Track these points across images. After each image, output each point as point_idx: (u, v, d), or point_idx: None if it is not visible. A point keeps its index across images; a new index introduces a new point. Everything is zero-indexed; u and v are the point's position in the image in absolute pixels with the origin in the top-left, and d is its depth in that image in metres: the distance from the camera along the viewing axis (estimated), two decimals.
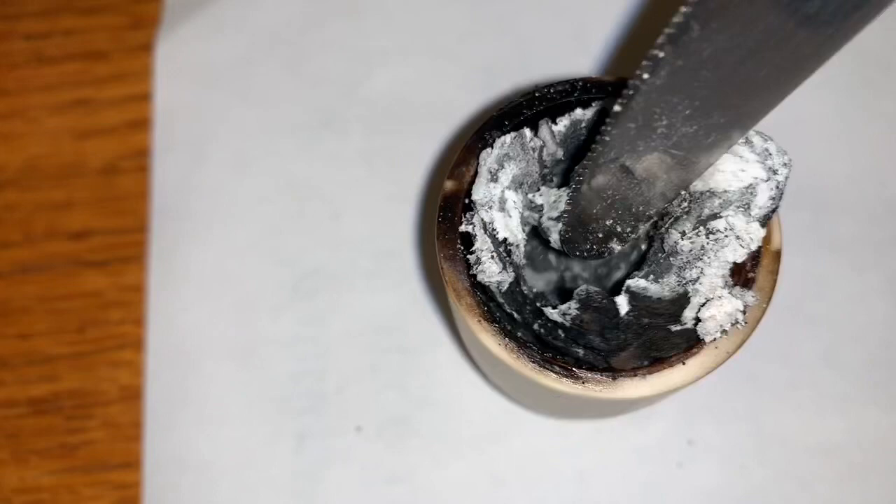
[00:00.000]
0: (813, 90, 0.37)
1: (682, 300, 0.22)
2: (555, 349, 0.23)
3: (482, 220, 0.24)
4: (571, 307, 0.22)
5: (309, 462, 0.33)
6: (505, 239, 0.24)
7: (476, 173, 0.25)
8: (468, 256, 0.24)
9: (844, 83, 0.37)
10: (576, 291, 0.23)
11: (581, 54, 0.38)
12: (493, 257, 0.23)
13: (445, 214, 0.25)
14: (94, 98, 0.39)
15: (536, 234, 0.27)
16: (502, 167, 0.24)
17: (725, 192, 0.22)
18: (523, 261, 0.25)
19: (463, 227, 0.24)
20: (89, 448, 0.33)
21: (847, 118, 0.37)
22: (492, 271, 0.23)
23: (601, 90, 0.25)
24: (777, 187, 0.22)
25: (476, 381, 0.33)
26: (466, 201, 0.24)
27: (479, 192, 0.24)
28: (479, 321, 0.23)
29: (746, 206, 0.22)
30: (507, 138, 0.24)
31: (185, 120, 0.38)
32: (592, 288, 0.22)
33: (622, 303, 0.22)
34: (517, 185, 0.24)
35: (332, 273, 0.35)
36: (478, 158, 0.25)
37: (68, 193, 0.37)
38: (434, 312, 0.35)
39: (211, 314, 0.35)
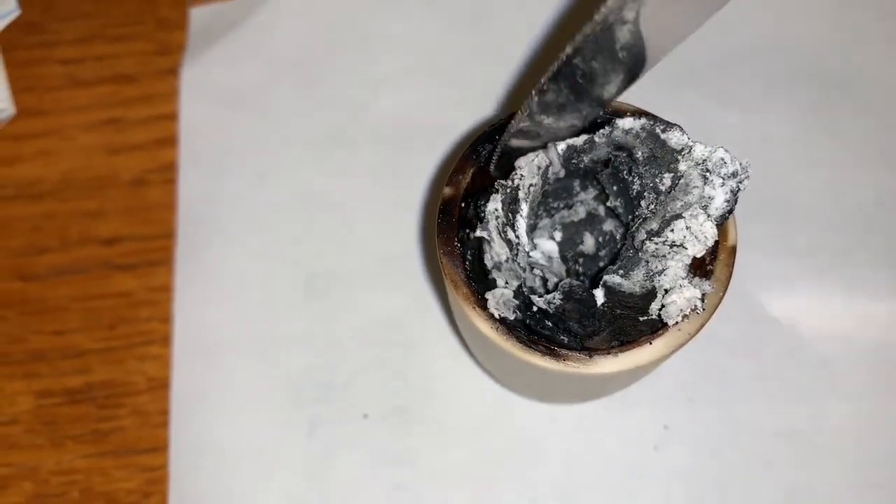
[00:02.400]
0: (779, 110, 0.41)
1: (651, 296, 0.26)
2: (539, 335, 0.27)
3: (497, 225, 0.27)
4: (556, 297, 0.26)
5: (320, 447, 0.36)
6: (517, 242, 0.27)
7: (472, 181, 0.29)
8: (468, 252, 0.27)
9: (807, 104, 0.41)
10: (560, 284, 0.26)
11: None
12: (506, 258, 0.27)
13: (444, 215, 0.28)
14: (124, 117, 0.42)
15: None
16: (521, 185, 0.27)
17: (687, 195, 0.25)
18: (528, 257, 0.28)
19: (478, 232, 0.27)
20: (119, 434, 0.36)
21: (809, 136, 0.40)
22: (501, 262, 0.27)
23: None
24: (731, 192, 0.25)
25: (473, 373, 0.37)
26: (481, 207, 0.28)
27: (496, 203, 0.27)
28: (474, 308, 0.26)
29: (705, 208, 0.25)
30: (526, 159, 0.28)
31: (208, 137, 0.41)
32: (574, 282, 0.26)
33: (599, 295, 0.26)
34: (527, 198, 0.28)
35: (341, 274, 0.39)
36: (472, 170, 0.28)
37: (101, 203, 0.40)
38: (434, 310, 0.38)
39: (231, 312, 0.38)
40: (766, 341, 0.36)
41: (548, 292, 0.26)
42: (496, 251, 0.27)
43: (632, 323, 0.26)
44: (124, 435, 0.36)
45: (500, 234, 0.27)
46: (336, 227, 0.40)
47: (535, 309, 0.27)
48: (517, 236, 0.27)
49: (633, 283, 0.26)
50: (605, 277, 0.26)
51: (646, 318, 0.26)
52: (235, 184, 0.40)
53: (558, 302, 0.26)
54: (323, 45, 0.44)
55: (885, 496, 0.34)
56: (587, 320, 0.26)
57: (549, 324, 0.27)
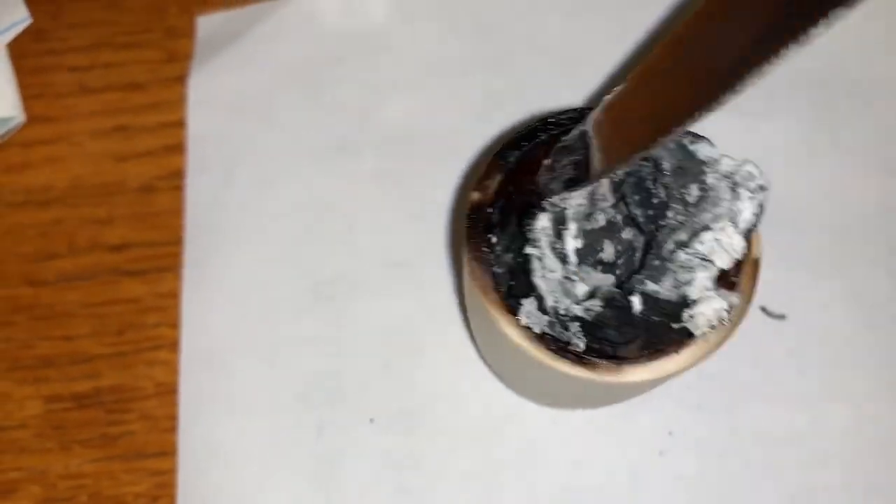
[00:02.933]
0: (781, 116, 0.41)
1: (683, 302, 0.26)
2: (567, 343, 0.27)
3: (549, 242, 0.27)
4: (595, 304, 0.26)
5: (328, 450, 0.36)
6: (568, 259, 0.27)
7: (500, 186, 0.29)
8: (509, 256, 0.27)
9: (809, 110, 0.41)
10: (600, 291, 0.27)
11: (571, 88, 0.42)
12: (562, 275, 0.27)
13: (474, 221, 0.28)
14: (133, 124, 0.43)
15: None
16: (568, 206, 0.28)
17: (716, 208, 0.26)
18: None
19: (528, 249, 0.27)
20: (128, 438, 0.37)
21: (811, 142, 0.41)
22: (553, 278, 0.27)
23: None
24: (759, 205, 0.26)
25: (479, 378, 0.37)
26: (526, 224, 0.28)
27: (544, 221, 0.27)
28: (503, 314, 0.27)
29: (733, 221, 0.26)
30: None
31: (215, 144, 0.42)
32: (615, 289, 0.26)
33: (636, 302, 0.26)
34: (575, 217, 0.28)
35: (348, 280, 0.39)
36: (499, 176, 0.29)
37: (109, 210, 0.41)
38: (441, 316, 0.38)
39: (239, 317, 0.38)
40: (768, 347, 0.37)
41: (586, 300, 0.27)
42: (549, 267, 0.27)
43: (665, 331, 0.27)
44: (133, 439, 0.37)
45: (552, 250, 0.27)
46: (342, 233, 0.40)
47: (567, 317, 0.27)
48: (566, 254, 0.27)
49: (668, 290, 0.26)
50: (641, 286, 0.26)
51: (678, 325, 0.26)
52: (243, 190, 0.41)
53: (598, 309, 0.26)
54: (328, 54, 0.44)
55: (889, 500, 0.34)
56: (625, 328, 0.26)
57: (581, 332, 0.27)
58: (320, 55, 0.44)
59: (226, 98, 0.43)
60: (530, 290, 0.27)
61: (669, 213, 0.27)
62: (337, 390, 0.37)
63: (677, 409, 0.36)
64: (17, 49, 0.43)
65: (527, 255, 0.27)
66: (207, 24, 0.45)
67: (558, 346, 0.26)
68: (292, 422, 0.36)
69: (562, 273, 0.27)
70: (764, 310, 0.37)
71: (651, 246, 0.27)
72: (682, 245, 0.26)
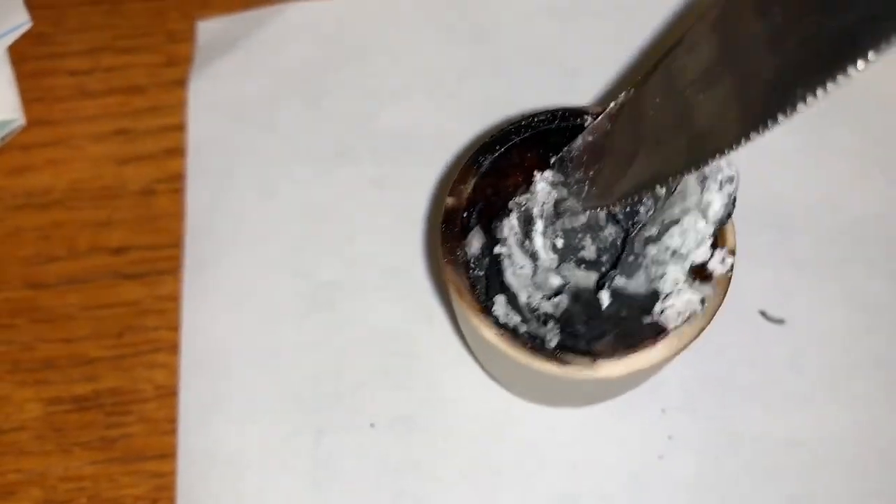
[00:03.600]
0: (780, 134, 0.41)
1: (654, 296, 0.26)
2: (543, 340, 0.27)
3: (516, 241, 0.28)
4: (563, 299, 0.26)
5: (327, 454, 0.36)
6: (538, 256, 0.28)
7: (474, 190, 0.29)
8: (471, 261, 0.28)
9: (805, 117, 0.41)
10: (567, 286, 0.27)
11: (568, 93, 0.42)
12: (531, 272, 0.28)
13: (448, 225, 0.29)
14: (133, 128, 0.43)
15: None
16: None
17: (685, 201, 0.26)
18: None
19: (497, 249, 0.28)
20: (127, 441, 0.37)
21: (807, 149, 0.41)
22: (522, 275, 0.27)
23: (577, 117, 0.30)
24: (729, 196, 0.26)
25: (476, 382, 0.37)
26: (495, 226, 0.28)
27: (512, 221, 0.28)
28: (478, 314, 0.27)
29: (703, 213, 0.26)
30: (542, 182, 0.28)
31: (215, 149, 0.42)
32: (581, 284, 0.26)
33: (605, 297, 0.26)
34: (541, 215, 0.28)
35: (346, 286, 0.39)
36: (473, 180, 0.29)
37: (109, 213, 0.41)
38: (438, 320, 0.38)
39: (239, 321, 0.38)
40: (766, 351, 0.37)
41: (554, 296, 0.27)
42: (518, 264, 0.28)
43: (636, 325, 0.27)
44: (132, 442, 0.37)
45: (520, 248, 0.28)
46: (341, 238, 0.40)
47: (540, 314, 0.27)
48: (535, 251, 0.27)
49: (637, 284, 0.26)
50: (611, 281, 0.27)
51: (650, 320, 0.27)
52: (242, 195, 0.41)
53: (565, 305, 0.26)
54: (327, 60, 0.44)
55: None
56: (593, 322, 0.27)
57: (556, 328, 0.27)
58: (319, 61, 0.44)
59: (226, 103, 0.43)
60: (503, 289, 0.28)
61: (641, 209, 0.28)
62: (336, 395, 0.37)
63: (677, 414, 0.36)
64: (18, 53, 0.43)
65: (497, 254, 0.28)
66: (207, 28, 0.45)
67: (533, 344, 0.26)
68: (292, 426, 0.36)
69: (531, 269, 0.27)
70: (763, 314, 0.37)
71: (626, 242, 0.28)
72: (653, 240, 0.26)
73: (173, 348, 0.38)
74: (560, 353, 0.26)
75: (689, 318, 0.26)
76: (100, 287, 0.39)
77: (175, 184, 0.41)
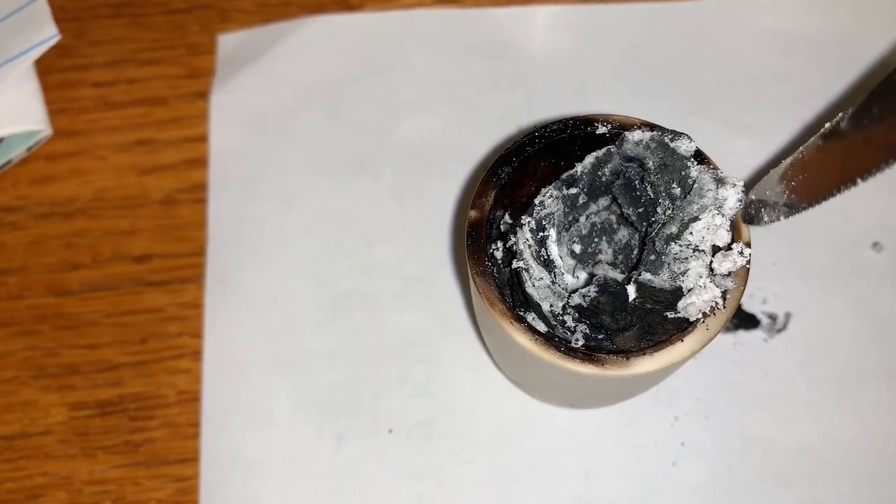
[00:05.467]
0: (786, 136, 0.42)
1: (679, 292, 0.27)
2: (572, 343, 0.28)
3: (532, 253, 0.29)
4: (591, 290, 0.27)
5: (347, 459, 0.37)
6: (555, 264, 0.29)
7: (494, 202, 0.30)
8: (507, 269, 0.29)
9: (813, 129, 0.42)
10: (595, 278, 0.28)
11: (581, 105, 0.43)
12: (550, 281, 0.29)
13: (473, 238, 0.29)
14: (155, 139, 0.44)
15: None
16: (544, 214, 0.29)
17: (702, 199, 0.27)
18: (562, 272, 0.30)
19: (515, 264, 0.29)
20: (151, 445, 0.37)
21: None
22: (542, 285, 0.28)
23: (588, 125, 0.30)
24: (742, 191, 0.27)
25: (493, 389, 0.38)
26: (511, 241, 0.29)
27: (525, 234, 0.29)
28: (511, 322, 0.28)
29: (720, 208, 0.27)
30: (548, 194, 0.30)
31: (236, 160, 0.43)
32: (609, 276, 0.27)
33: (631, 291, 0.27)
34: (553, 224, 0.30)
35: (366, 294, 0.40)
36: (494, 192, 0.30)
37: (132, 222, 0.42)
38: (455, 328, 0.39)
39: (260, 329, 0.39)
40: (777, 360, 0.38)
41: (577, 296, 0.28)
42: (536, 276, 0.29)
43: (660, 319, 0.28)
44: (155, 446, 0.37)
45: (536, 260, 0.29)
46: (361, 248, 0.41)
47: (563, 319, 0.28)
48: (552, 260, 0.28)
49: (661, 280, 0.27)
50: (637, 275, 0.28)
51: (674, 314, 0.28)
52: (263, 205, 0.42)
53: (593, 294, 0.27)
54: (346, 73, 0.45)
55: None
56: (619, 314, 0.27)
57: (582, 323, 0.28)
58: (339, 74, 0.45)
59: (247, 115, 0.44)
60: (526, 298, 0.29)
61: (659, 209, 0.29)
62: (355, 401, 0.38)
63: (689, 421, 0.37)
64: (44, 65, 0.44)
65: (516, 268, 0.29)
66: (228, 42, 0.46)
67: (567, 347, 0.27)
68: (313, 431, 0.37)
69: (549, 279, 0.28)
70: (773, 322, 0.38)
71: (646, 242, 0.29)
72: (674, 238, 0.27)
73: (196, 354, 0.39)
74: (595, 354, 0.27)
75: (712, 310, 0.27)
76: (123, 294, 0.40)
77: (197, 194, 0.42)
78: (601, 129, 0.31)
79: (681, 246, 0.27)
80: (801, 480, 0.36)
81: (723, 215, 0.27)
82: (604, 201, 0.32)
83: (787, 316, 0.38)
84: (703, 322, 0.27)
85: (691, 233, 0.27)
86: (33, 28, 0.41)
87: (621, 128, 0.31)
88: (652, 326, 0.28)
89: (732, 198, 0.27)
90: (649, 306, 0.27)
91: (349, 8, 0.46)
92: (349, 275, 0.40)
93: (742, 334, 0.38)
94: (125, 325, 0.40)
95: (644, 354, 0.27)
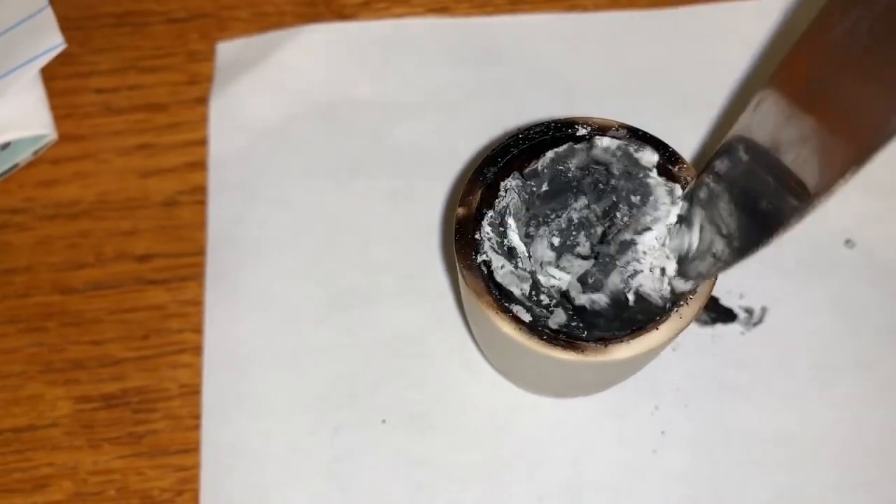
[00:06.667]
0: None
1: (676, 304, 0.29)
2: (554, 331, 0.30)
3: (492, 245, 0.31)
4: (602, 299, 0.29)
5: (344, 450, 0.38)
6: (516, 251, 0.31)
7: (481, 200, 0.32)
8: (482, 264, 0.31)
9: None
10: (607, 285, 0.30)
11: (567, 110, 0.45)
12: (512, 267, 0.30)
13: (461, 233, 0.31)
14: (156, 143, 0.45)
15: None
16: (506, 208, 0.31)
17: (656, 211, 0.29)
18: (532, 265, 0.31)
19: (479, 257, 0.31)
20: (153, 436, 0.39)
21: None
22: (505, 272, 0.30)
23: (569, 127, 0.32)
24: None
25: (484, 381, 0.39)
26: (478, 233, 0.31)
27: (486, 227, 0.31)
28: (497, 313, 0.29)
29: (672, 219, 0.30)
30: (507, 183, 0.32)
31: (235, 163, 0.44)
32: (620, 285, 0.29)
33: (631, 299, 0.29)
34: (510, 213, 0.31)
35: (362, 292, 0.41)
36: (480, 191, 0.32)
37: (134, 223, 0.43)
38: (448, 324, 0.40)
39: (259, 325, 0.40)
40: (756, 352, 0.39)
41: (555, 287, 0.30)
42: (497, 265, 0.30)
43: (635, 313, 0.30)
44: (158, 437, 0.39)
45: (496, 250, 0.30)
46: (357, 247, 0.42)
47: (542, 299, 0.30)
48: (513, 247, 0.30)
49: (614, 281, 0.29)
50: (636, 285, 0.29)
51: (645, 306, 0.30)
52: (262, 207, 0.43)
53: (604, 304, 0.29)
54: (341, 80, 0.47)
55: (870, 496, 0.37)
56: (615, 320, 0.29)
57: (559, 307, 0.30)
58: (334, 80, 0.47)
59: (245, 120, 0.45)
60: (499, 288, 0.31)
61: (618, 214, 0.31)
62: (352, 394, 0.39)
63: (669, 410, 0.38)
64: (48, 72, 0.45)
65: (479, 262, 0.30)
66: (227, 49, 0.48)
67: (548, 335, 0.29)
68: (310, 423, 0.39)
69: (511, 266, 0.30)
70: (750, 315, 0.40)
71: (603, 242, 0.31)
72: (627, 245, 0.29)
73: (197, 349, 0.40)
74: (574, 342, 0.29)
75: (685, 300, 0.29)
76: (126, 292, 0.42)
77: (197, 195, 0.44)
78: (581, 131, 0.32)
79: (635, 253, 0.29)
80: (780, 467, 0.37)
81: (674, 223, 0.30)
82: (584, 199, 0.33)
83: (764, 310, 0.40)
84: (677, 311, 0.29)
85: (642, 242, 0.29)
86: (40, 37, 0.42)
87: (600, 129, 0.32)
88: (630, 319, 0.30)
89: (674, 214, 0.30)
90: (641, 318, 0.30)
91: (343, 17, 0.48)
92: (345, 273, 0.42)
93: (720, 327, 0.40)
94: (128, 322, 0.41)
95: (622, 342, 0.29)
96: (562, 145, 0.32)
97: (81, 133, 0.45)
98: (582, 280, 0.30)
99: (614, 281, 0.29)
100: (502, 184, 0.32)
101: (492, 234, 0.31)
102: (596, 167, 0.32)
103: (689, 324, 0.29)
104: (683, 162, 0.32)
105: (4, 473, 0.38)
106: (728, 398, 0.39)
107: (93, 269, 0.42)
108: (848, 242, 0.41)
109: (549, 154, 0.32)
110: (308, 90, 0.46)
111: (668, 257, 0.30)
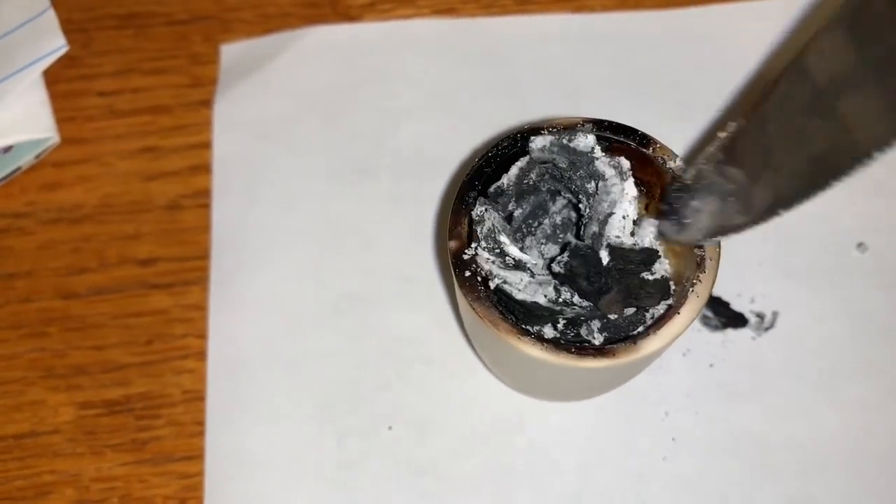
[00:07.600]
0: None
1: (653, 254, 0.29)
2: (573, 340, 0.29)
3: (500, 266, 0.30)
4: (564, 256, 0.29)
5: (348, 456, 0.38)
6: (525, 263, 0.30)
7: (469, 227, 0.31)
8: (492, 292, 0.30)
9: None
10: (568, 246, 0.29)
11: (573, 111, 0.44)
12: (528, 281, 0.30)
13: (459, 268, 0.30)
14: (160, 146, 0.45)
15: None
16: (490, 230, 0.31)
17: (610, 194, 0.30)
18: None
19: (493, 283, 0.30)
20: (157, 443, 0.38)
21: None
22: (525, 284, 0.30)
23: (535, 134, 0.32)
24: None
25: (488, 387, 0.39)
26: (475, 263, 0.30)
27: (484, 255, 0.31)
28: (519, 337, 0.29)
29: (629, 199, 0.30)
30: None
31: (239, 166, 0.44)
32: (580, 242, 0.29)
33: (604, 255, 0.29)
34: (500, 232, 0.31)
35: (365, 295, 0.41)
36: (466, 218, 0.31)
37: (137, 226, 0.43)
38: (452, 328, 0.40)
39: (263, 330, 0.40)
40: (765, 357, 0.39)
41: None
42: (516, 281, 0.30)
43: (638, 281, 0.29)
44: (161, 444, 0.38)
45: (506, 269, 0.30)
46: (360, 251, 0.42)
47: (569, 302, 0.30)
48: (519, 260, 0.30)
49: (636, 239, 0.29)
50: (606, 239, 0.29)
51: (651, 276, 0.29)
52: (265, 210, 0.43)
53: (566, 259, 0.29)
54: (345, 82, 0.46)
55: (880, 503, 0.36)
56: (594, 277, 0.29)
57: (568, 301, 0.29)
58: (338, 82, 0.46)
59: (249, 123, 0.45)
60: (521, 305, 0.30)
61: (581, 207, 0.30)
62: (356, 399, 0.39)
63: (680, 417, 0.38)
64: (51, 75, 0.45)
65: (495, 288, 0.30)
66: (230, 51, 0.47)
67: (577, 348, 0.28)
68: (314, 429, 0.38)
69: (528, 278, 0.30)
70: (760, 318, 0.39)
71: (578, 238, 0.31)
72: (598, 236, 0.30)
73: (200, 355, 0.40)
74: (605, 347, 0.28)
75: (698, 280, 0.29)
76: (129, 297, 0.41)
77: (200, 199, 0.43)
78: (548, 136, 0.32)
79: (609, 238, 0.30)
80: (791, 475, 0.37)
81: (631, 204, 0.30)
82: (562, 201, 0.33)
83: (775, 315, 0.39)
84: (694, 291, 0.28)
85: (612, 225, 0.29)
86: (42, 39, 0.42)
87: (565, 130, 0.31)
88: (631, 288, 0.29)
89: (634, 189, 0.30)
90: (621, 267, 0.29)
91: (348, 19, 0.48)
92: (348, 276, 0.41)
93: (731, 332, 0.39)
94: (131, 327, 0.41)
95: (648, 335, 0.28)
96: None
97: (84, 136, 0.45)
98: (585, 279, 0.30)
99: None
100: (473, 212, 0.31)
101: (491, 258, 0.30)
102: (544, 167, 0.31)
103: (706, 300, 0.29)
104: (657, 143, 0.31)
105: (6, 481, 0.38)
106: (738, 404, 0.38)
107: (95, 274, 0.42)
108: (860, 246, 0.41)
109: (513, 169, 0.32)
110: (312, 92, 0.46)
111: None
